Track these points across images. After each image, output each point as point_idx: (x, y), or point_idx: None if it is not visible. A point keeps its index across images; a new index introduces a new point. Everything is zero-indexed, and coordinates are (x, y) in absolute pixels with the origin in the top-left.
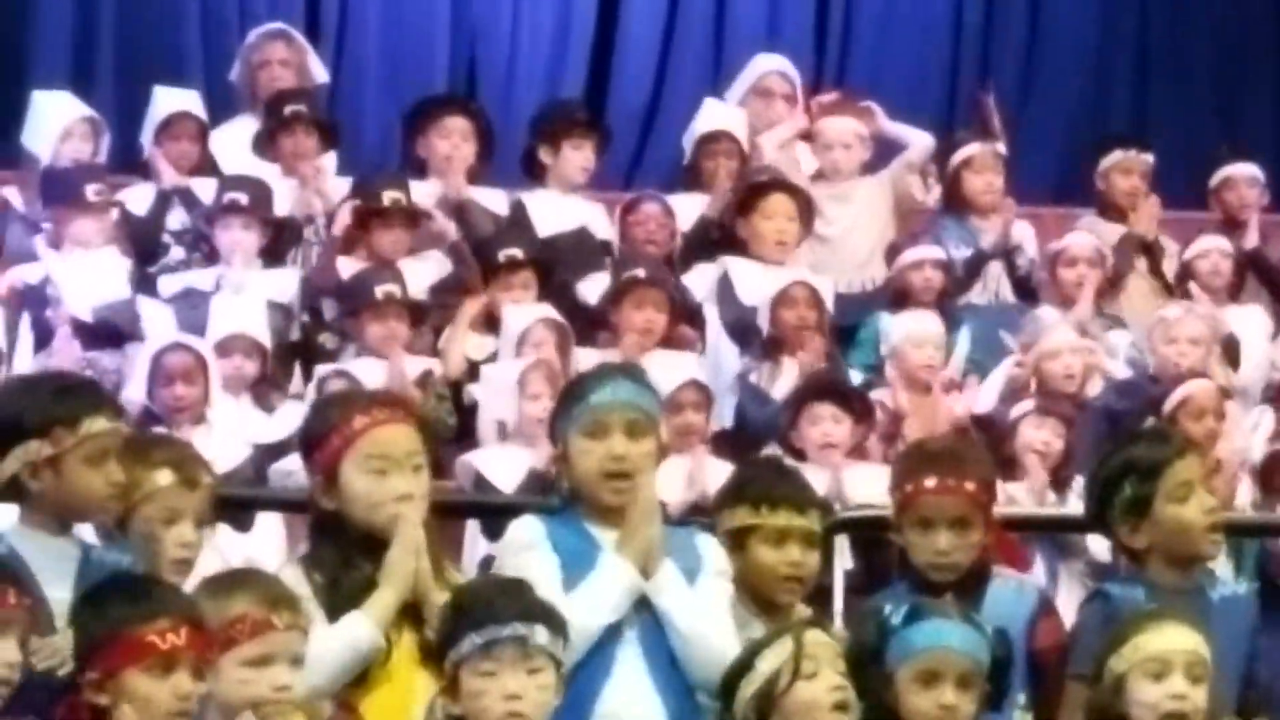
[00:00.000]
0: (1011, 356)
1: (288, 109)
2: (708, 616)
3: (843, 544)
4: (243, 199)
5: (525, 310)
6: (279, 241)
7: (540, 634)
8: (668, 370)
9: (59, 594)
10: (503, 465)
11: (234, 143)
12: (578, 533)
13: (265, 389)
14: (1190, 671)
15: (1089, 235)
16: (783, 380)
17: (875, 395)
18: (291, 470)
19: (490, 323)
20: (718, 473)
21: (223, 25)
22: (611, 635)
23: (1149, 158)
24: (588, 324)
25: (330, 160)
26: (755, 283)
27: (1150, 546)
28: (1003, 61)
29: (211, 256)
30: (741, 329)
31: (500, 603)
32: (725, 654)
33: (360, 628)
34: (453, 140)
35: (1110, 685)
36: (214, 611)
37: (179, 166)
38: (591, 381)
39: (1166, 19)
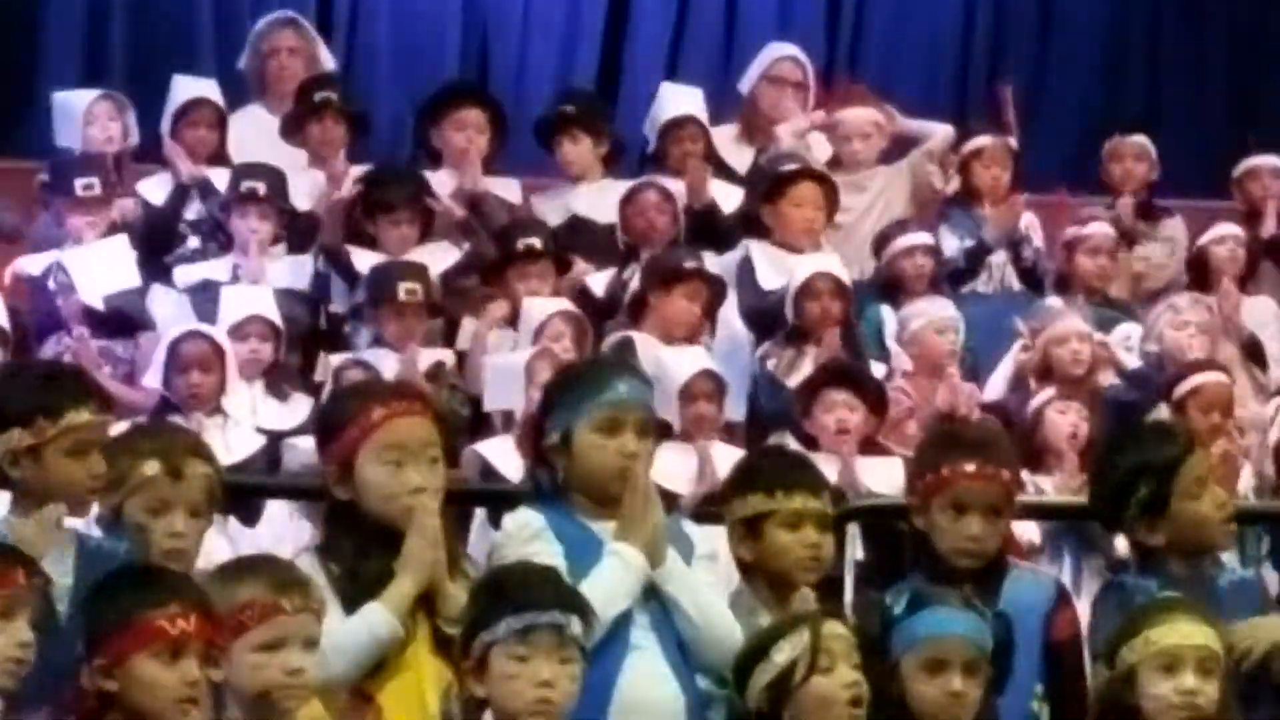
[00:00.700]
0: (1018, 343)
1: (318, 95)
2: (714, 602)
3: (854, 534)
4: (260, 188)
5: (543, 303)
6: (299, 234)
7: (575, 624)
8: (681, 360)
9: (59, 580)
10: (510, 455)
11: (244, 132)
12: (574, 524)
13: (278, 377)
14: (1202, 666)
15: (1108, 225)
16: (801, 370)
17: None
18: (305, 448)
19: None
20: (731, 462)
21: (235, 17)
22: (625, 621)
23: (1139, 139)
24: (594, 312)
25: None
26: (778, 269)
27: (1168, 542)
28: (1015, 48)
29: (227, 246)
30: (759, 315)
31: (540, 589)
32: (735, 637)
33: (380, 617)
34: (468, 133)
35: (1122, 675)
36: (222, 598)
37: (196, 154)
38: (604, 377)
39: (1180, 7)
